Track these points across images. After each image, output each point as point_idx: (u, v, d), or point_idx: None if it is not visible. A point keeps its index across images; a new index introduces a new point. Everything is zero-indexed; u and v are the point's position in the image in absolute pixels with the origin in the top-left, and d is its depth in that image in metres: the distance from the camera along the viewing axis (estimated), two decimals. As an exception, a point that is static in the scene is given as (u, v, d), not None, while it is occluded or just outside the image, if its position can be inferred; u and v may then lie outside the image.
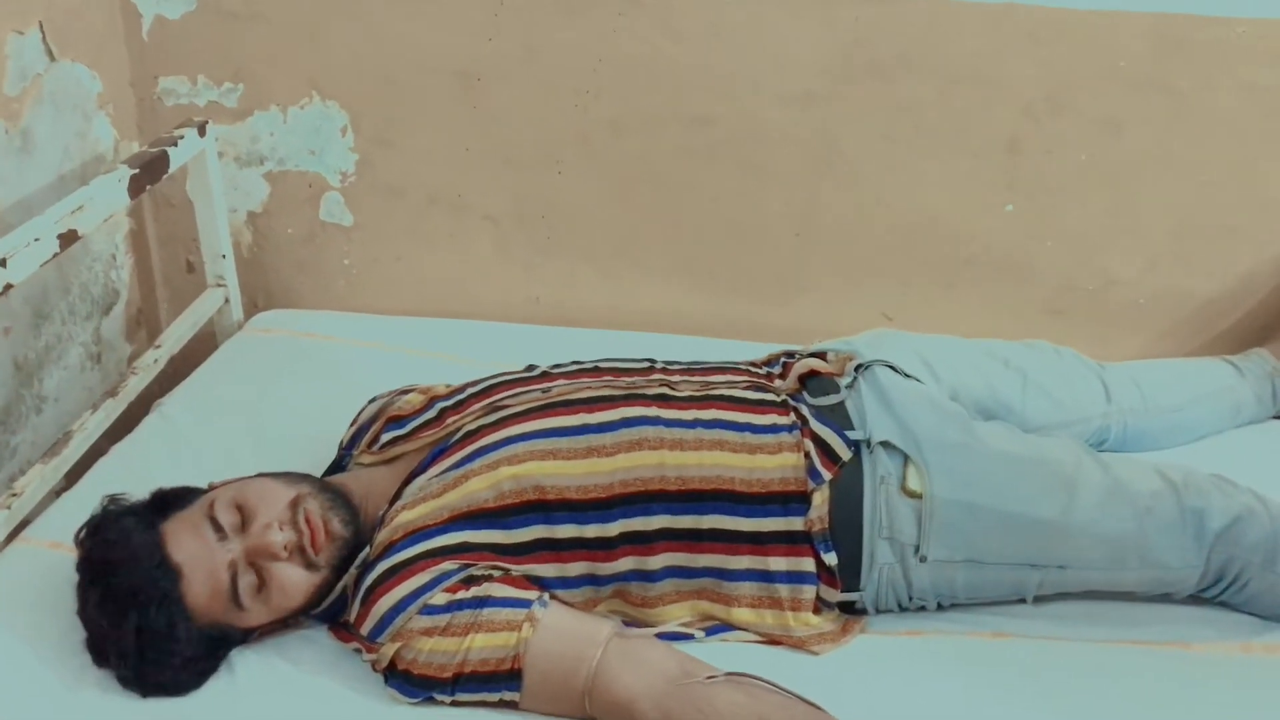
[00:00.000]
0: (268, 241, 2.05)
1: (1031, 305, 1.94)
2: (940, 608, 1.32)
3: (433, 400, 1.39)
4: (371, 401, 1.48)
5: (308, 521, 1.21)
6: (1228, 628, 1.30)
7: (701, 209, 1.93)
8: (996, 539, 1.26)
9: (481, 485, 1.24)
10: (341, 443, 1.46)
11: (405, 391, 1.45)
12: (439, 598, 1.16)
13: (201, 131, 1.80)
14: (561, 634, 1.15)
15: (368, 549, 1.24)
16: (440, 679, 1.14)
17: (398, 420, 1.39)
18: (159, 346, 1.74)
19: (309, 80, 1.91)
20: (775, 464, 1.27)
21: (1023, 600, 1.31)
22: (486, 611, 1.15)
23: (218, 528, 1.20)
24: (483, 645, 1.14)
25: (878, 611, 1.31)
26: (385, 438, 1.37)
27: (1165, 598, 1.33)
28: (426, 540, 1.21)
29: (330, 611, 1.26)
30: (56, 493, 1.58)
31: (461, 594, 1.17)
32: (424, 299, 2.05)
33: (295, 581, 1.20)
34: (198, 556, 1.18)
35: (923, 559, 1.26)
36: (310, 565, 1.21)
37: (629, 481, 1.24)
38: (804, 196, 1.91)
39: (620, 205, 1.94)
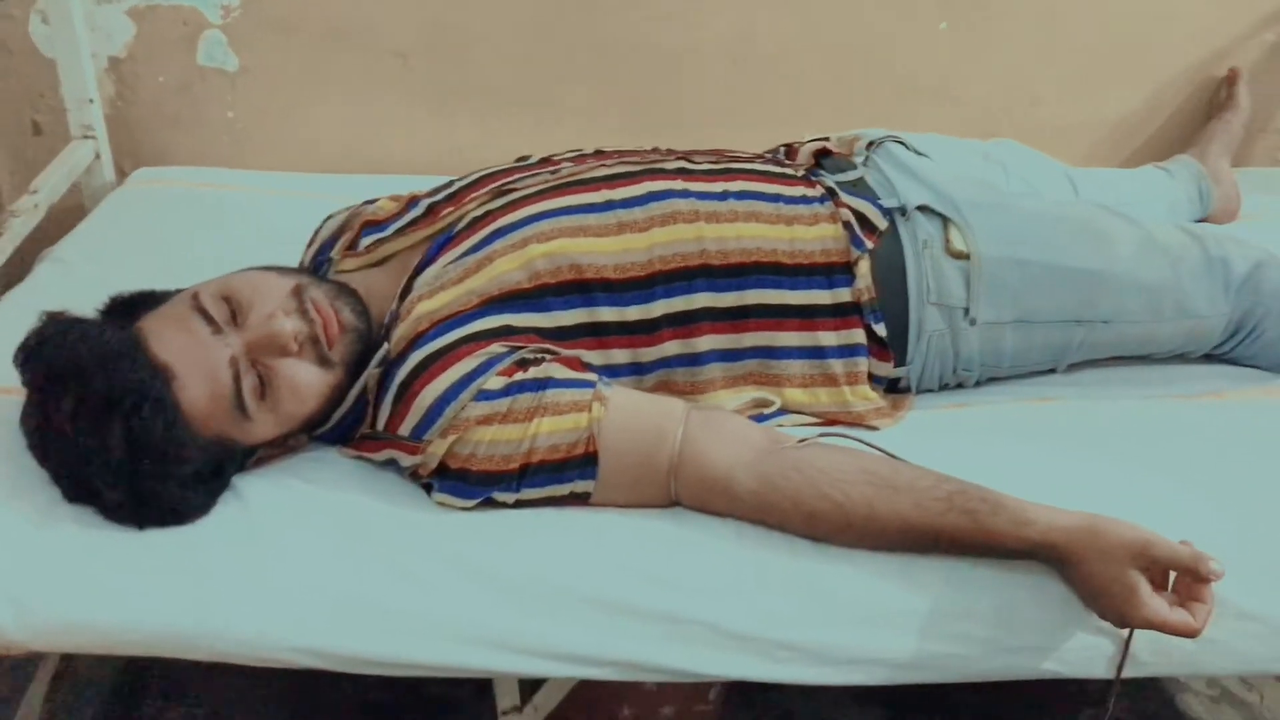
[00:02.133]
0: (134, 93, 1.78)
1: (965, 129, 1.91)
2: (978, 385, 1.27)
3: (414, 200, 1.22)
4: (329, 218, 1.29)
5: (317, 310, 1.03)
6: (1249, 378, 1.30)
7: (633, 36, 1.81)
8: (1045, 294, 1.21)
9: (510, 265, 1.09)
10: (301, 263, 1.26)
11: (370, 201, 1.27)
12: (494, 381, 1.01)
13: (58, -58, 1.52)
14: (635, 411, 1.02)
15: (386, 347, 1.07)
16: (504, 472, 1.00)
17: (375, 224, 1.21)
18: (35, 192, 1.47)
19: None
20: (814, 235, 1.18)
21: (1053, 370, 1.28)
22: (550, 393, 1.01)
23: (209, 320, 1.00)
24: (551, 430, 1.00)
25: (918, 391, 1.25)
26: (366, 240, 1.19)
27: (1180, 359, 1.32)
28: (463, 325, 1.05)
29: (342, 427, 1.08)
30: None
31: (519, 375, 1.02)
32: (322, 155, 1.84)
33: (308, 381, 1.02)
34: (190, 353, 0.98)
35: (972, 321, 1.21)
36: (324, 361, 1.03)
37: (668, 258, 1.12)
38: (739, 21, 1.81)
39: (546, 36, 1.80)
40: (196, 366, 0.97)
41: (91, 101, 1.64)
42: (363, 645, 0.94)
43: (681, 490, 1.02)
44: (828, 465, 1.00)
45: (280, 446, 1.07)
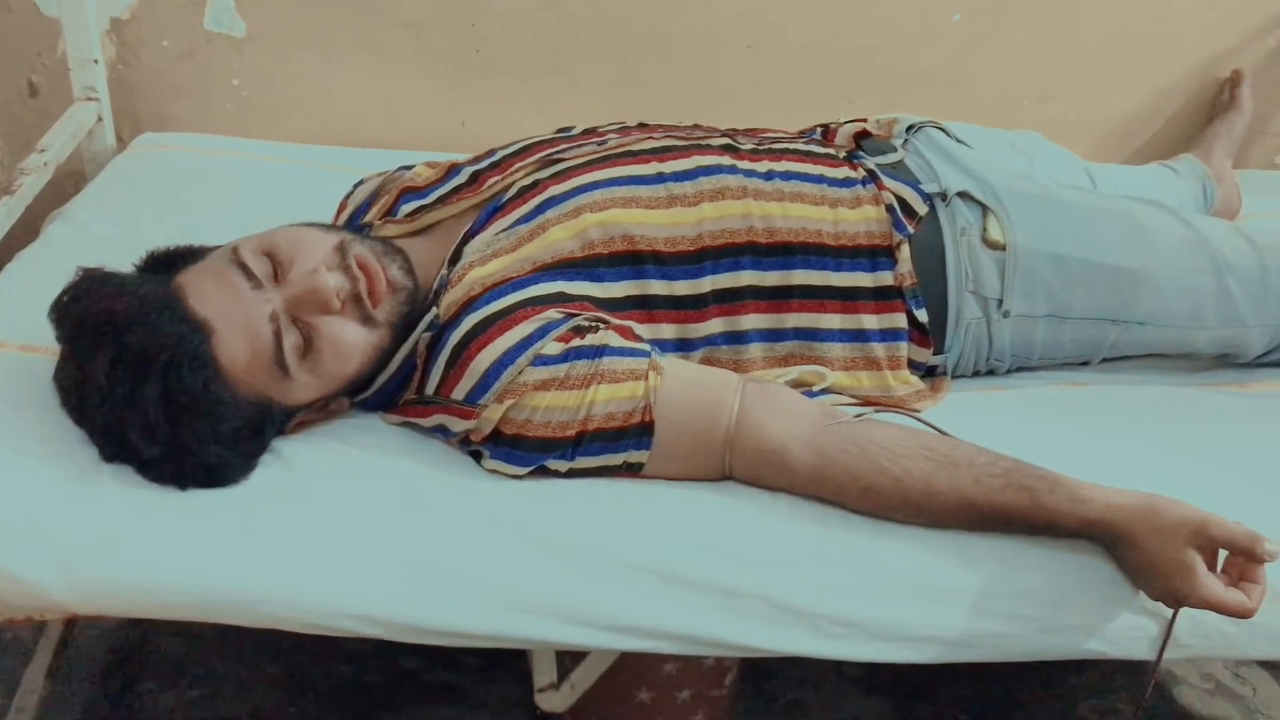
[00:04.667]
0: (137, 58, 1.73)
1: (974, 121, 1.93)
2: (1008, 373, 1.27)
3: (454, 167, 1.19)
4: (360, 184, 1.26)
5: (362, 267, 1.00)
6: (1272, 374, 1.32)
7: (647, 16, 1.79)
8: (1080, 290, 1.21)
9: (564, 234, 1.07)
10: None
11: (406, 168, 1.25)
12: (552, 347, 0.99)
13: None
14: (691, 382, 1.01)
15: (435, 311, 1.04)
16: (560, 439, 0.98)
17: (414, 191, 1.18)
18: (44, 150, 1.42)
19: None
20: (858, 217, 1.17)
21: (1086, 363, 1.29)
22: (606, 360, 0.99)
23: (249, 276, 0.96)
24: (608, 398, 0.98)
25: (954, 376, 1.25)
26: (406, 207, 1.16)
27: (1220, 360, 1.32)
28: (517, 290, 1.03)
29: (385, 392, 1.06)
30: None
31: (576, 341, 1.00)
32: (328, 126, 1.80)
33: (351, 340, 0.99)
34: (229, 309, 0.94)
35: (1005, 314, 1.21)
36: (367, 320, 1.00)
37: (717, 234, 1.11)
38: (755, 6, 1.81)
39: (558, 12, 1.77)
40: (236, 322, 0.94)
41: (96, 62, 1.59)
42: (421, 613, 0.91)
43: (736, 462, 1.00)
44: (886, 440, 0.99)
45: (321, 410, 1.04)
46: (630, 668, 1.28)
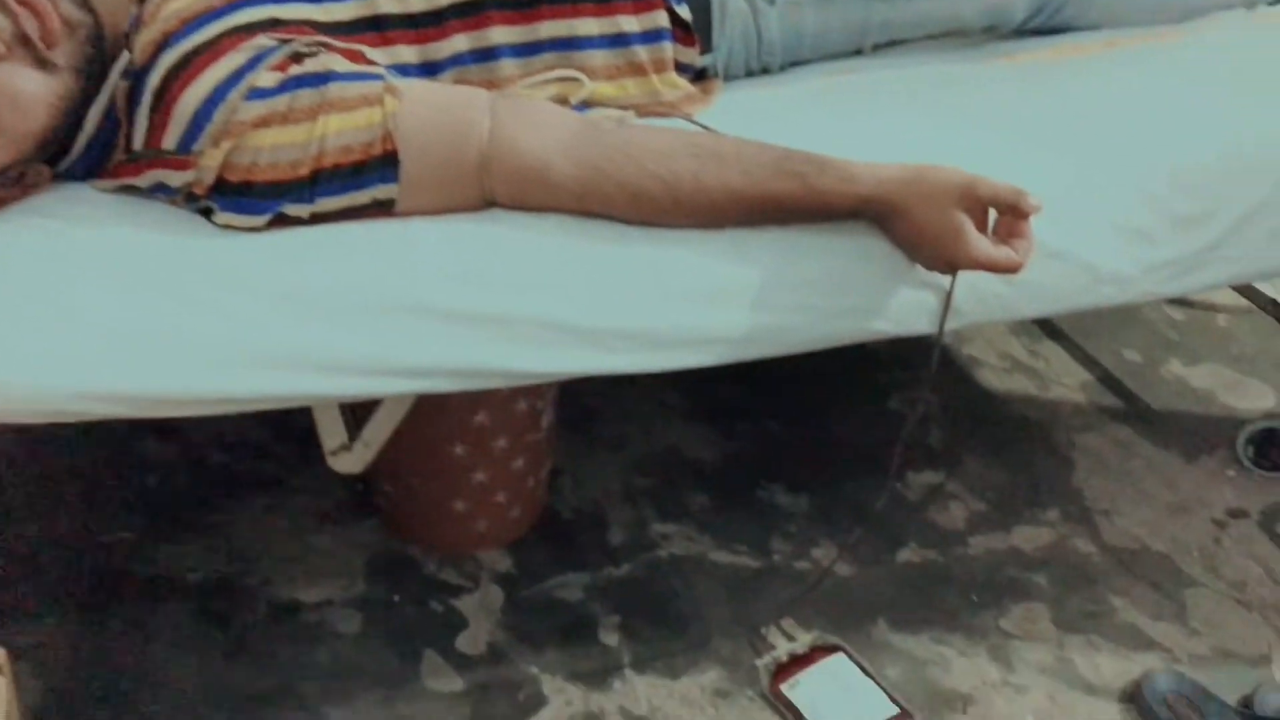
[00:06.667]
0: None
1: None
2: (782, 69, 1.23)
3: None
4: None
5: (22, 2, 0.86)
6: (1037, 45, 1.31)
7: None
8: (842, -35, 1.16)
9: (268, -48, 0.94)
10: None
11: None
12: (267, 78, 0.88)
13: None
14: (434, 103, 0.93)
15: (128, 55, 0.92)
16: (293, 180, 0.89)
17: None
18: None
19: None
20: (604, -94, 1.07)
21: (859, 52, 1.25)
22: (334, 86, 0.89)
23: None
24: (340, 128, 0.89)
25: (726, 79, 1.20)
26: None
27: (988, 33, 1.31)
28: (221, 18, 0.91)
29: (90, 156, 0.94)
30: None
31: (295, 70, 0.89)
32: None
33: (30, 90, 0.87)
34: None
35: (771, 1, 1.15)
36: (44, 64, 0.88)
37: (447, -62, 1.00)
38: None
39: None
40: None
41: None
42: (164, 383, 0.84)
43: (495, 186, 0.94)
44: (650, 143, 0.95)
45: (16, 184, 0.92)
46: (439, 422, 1.25)
